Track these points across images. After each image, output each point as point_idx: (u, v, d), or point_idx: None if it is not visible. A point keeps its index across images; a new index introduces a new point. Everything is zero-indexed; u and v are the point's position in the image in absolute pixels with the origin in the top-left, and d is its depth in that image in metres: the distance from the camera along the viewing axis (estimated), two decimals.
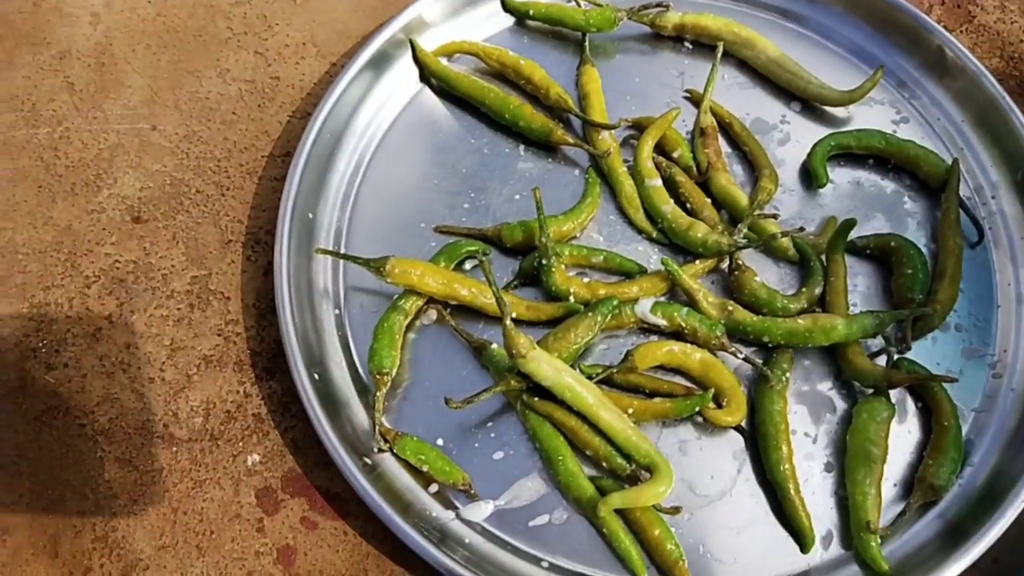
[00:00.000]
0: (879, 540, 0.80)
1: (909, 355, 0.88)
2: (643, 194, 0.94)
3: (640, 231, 0.94)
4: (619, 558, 0.79)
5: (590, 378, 0.83)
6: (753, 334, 0.85)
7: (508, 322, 0.79)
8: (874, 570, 0.79)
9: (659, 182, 0.94)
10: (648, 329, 0.88)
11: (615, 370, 0.84)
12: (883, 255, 0.94)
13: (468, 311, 0.88)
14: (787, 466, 0.81)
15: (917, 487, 0.83)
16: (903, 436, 0.86)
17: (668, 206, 0.92)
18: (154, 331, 0.88)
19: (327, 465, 0.81)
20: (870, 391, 0.86)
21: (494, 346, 0.85)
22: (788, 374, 0.85)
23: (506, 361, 0.84)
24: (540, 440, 0.82)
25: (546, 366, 0.80)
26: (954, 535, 0.81)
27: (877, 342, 0.90)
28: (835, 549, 0.82)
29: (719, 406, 0.84)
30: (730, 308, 0.86)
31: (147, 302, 0.90)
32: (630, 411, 0.82)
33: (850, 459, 0.82)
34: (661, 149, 0.98)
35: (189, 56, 1.03)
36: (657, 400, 0.83)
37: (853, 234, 0.92)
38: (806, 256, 0.91)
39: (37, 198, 0.94)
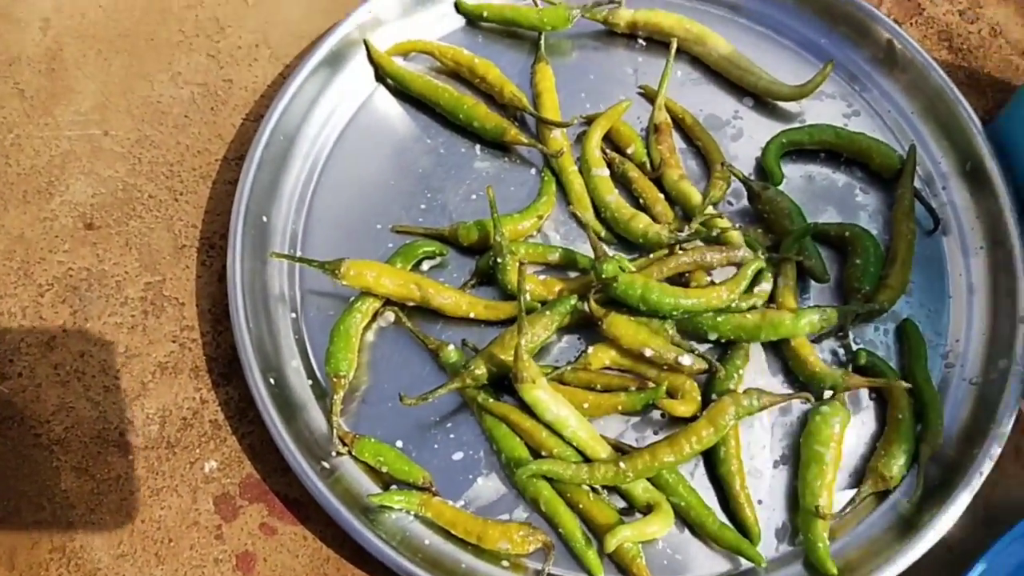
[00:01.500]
0: (827, 528, 0.81)
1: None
2: (589, 184, 0.94)
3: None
4: (576, 557, 0.80)
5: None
6: (703, 330, 0.86)
7: (522, 342, 0.79)
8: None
9: (605, 171, 0.95)
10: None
11: (567, 369, 0.84)
12: (840, 244, 0.95)
13: (425, 312, 0.88)
14: (735, 463, 0.82)
15: (868, 477, 0.84)
16: (856, 427, 0.87)
17: (612, 195, 0.93)
18: (108, 339, 0.88)
19: (285, 470, 0.81)
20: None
21: (451, 347, 0.85)
22: (741, 371, 0.86)
23: (462, 361, 0.84)
24: (496, 441, 0.83)
25: (548, 398, 0.80)
26: (906, 526, 0.82)
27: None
28: (788, 545, 0.83)
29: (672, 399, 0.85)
30: None
31: (101, 309, 0.89)
32: (585, 406, 0.83)
33: (803, 462, 0.83)
34: (615, 145, 0.98)
35: (140, 60, 1.02)
36: (611, 394, 0.84)
37: (814, 221, 0.93)
38: (756, 252, 0.91)
39: None
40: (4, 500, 0.81)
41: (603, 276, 0.83)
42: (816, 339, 0.90)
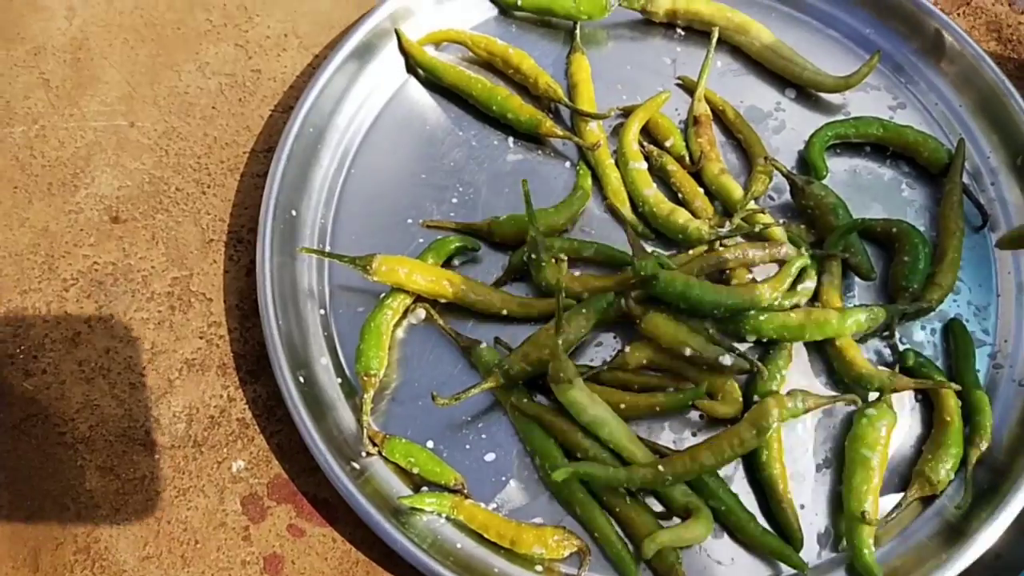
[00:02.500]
0: (872, 533, 0.78)
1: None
2: (626, 177, 0.92)
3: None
4: (612, 562, 0.77)
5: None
6: (745, 329, 0.83)
7: (559, 342, 0.77)
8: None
9: (643, 165, 0.92)
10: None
11: (604, 368, 0.82)
12: (886, 240, 0.91)
13: (457, 309, 0.86)
14: (777, 467, 0.79)
15: (914, 481, 0.81)
16: (901, 429, 0.84)
17: (650, 190, 0.90)
18: (134, 335, 0.86)
19: (314, 470, 0.79)
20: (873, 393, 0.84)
21: (483, 346, 0.83)
22: (784, 371, 0.83)
23: (495, 360, 0.81)
24: (530, 442, 0.80)
25: (585, 399, 0.78)
26: (954, 533, 0.79)
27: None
28: (831, 551, 0.80)
29: (712, 399, 0.82)
30: None
31: (127, 305, 0.87)
32: (622, 406, 0.80)
33: (848, 465, 0.80)
34: (653, 138, 0.96)
35: (167, 50, 1.00)
36: (649, 394, 0.81)
37: (860, 217, 0.90)
38: (799, 249, 0.88)
39: (12, 199, 0.91)
40: (28, 499, 0.79)
41: (642, 273, 0.80)
42: (860, 339, 0.87)
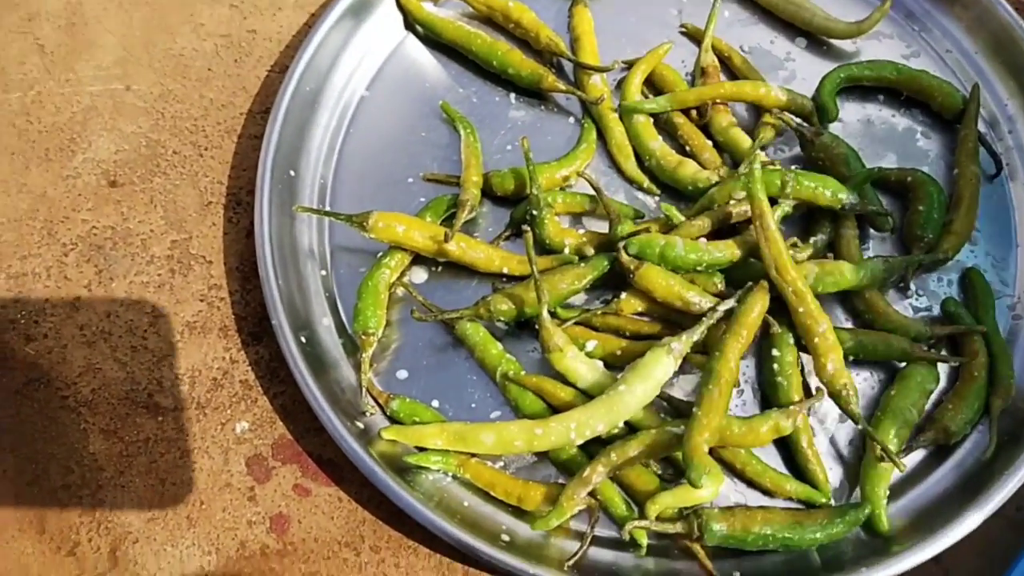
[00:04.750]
0: (889, 478, 0.77)
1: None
2: (631, 131, 0.90)
3: (631, 181, 0.90)
4: (616, 522, 0.76)
5: (568, 319, 0.80)
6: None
7: (545, 314, 0.77)
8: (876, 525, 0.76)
9: (648, 117, 0.90)
10: None
11: (596, 312, 0.81)
12: (901, 190, 0.89)
13: (457, 267, 0.84)
14: (800, 419, 0.78)
15: (929, 428, 0.79)
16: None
17: (656, 142, 0.88)
18: (135, 298, 0.85)
19: (318, 431, 0.78)
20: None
21: (465, 322, 0.81)
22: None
23: (476, 338, 0.81)
24: (523, 411, 0.79)
25: (581, 365, 0.77)
26: (974, 484, 0.77)
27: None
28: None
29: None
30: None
31: (127, 269, 0.86)
32: (618, 353, 0.79)
33: (885, 416, 0.78)
34: (659, 91, 0.93)
35: (162, 12, 0.99)
36: (645, 342, 0.79)
37: (874, 166, 0.88)
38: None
39: (10, 165, 0.91)
40: (32, 463, 0.79)
41: (618, 237, 0.79)
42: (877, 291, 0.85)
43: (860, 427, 0.75)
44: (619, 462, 0.74)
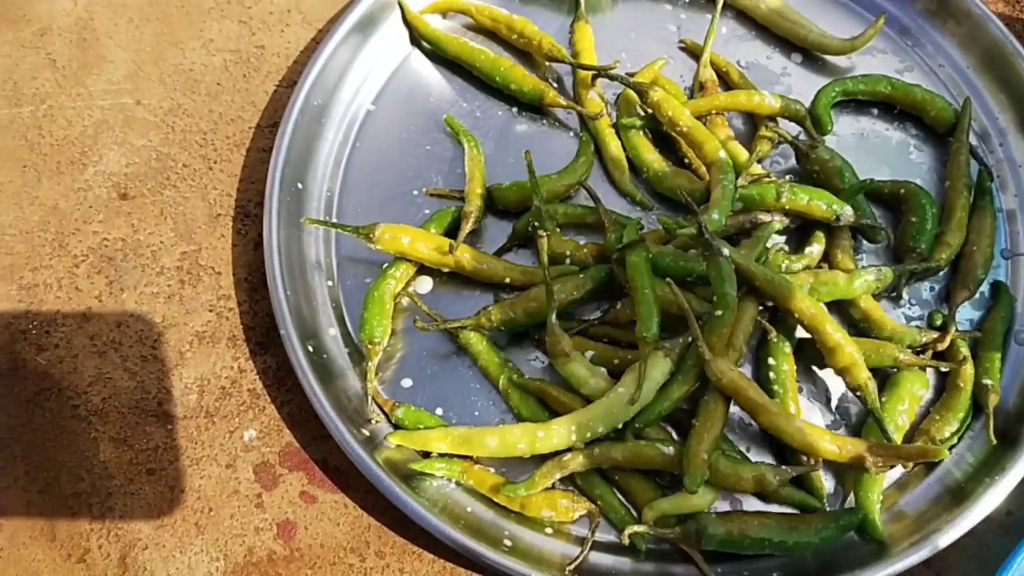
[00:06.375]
0: (882, 485, 0.78)
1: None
2: (628, 144, 0.92)
3: (625, 195, 0.92)
4: (616, 527, 0.78)
5: (567, 330, 0.81)
6: None
7: (553, 319, 0.78)
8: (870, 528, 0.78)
9: (644, 131, 0.92)
10: None
11: (595, 323, 0.83)
12: (894, 202, 0.91)
13: (460, 278, 0.86)
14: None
15: (917, 438, 0.81)
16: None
17: (652, 155, 0.90)
18: (145, 309, 0.87)
19: (325, 438, 0.80)
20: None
21: (468, 331, 0.83)
22: (795, 332, 0.83)
23: (480, 347, 0.83)
24: (525, 418, 0.80)
25: (586, 371, 0.78)
26: (961, 494, 0.79)
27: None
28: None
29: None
30: None
31: (137, 280, 0.88)
32: (615, 362, 0.80)
33: (872, 424, 0.80)
34: None
35: (172, 28, 1.01)
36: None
37: (867, 178, 0.89)
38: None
39: (22, 178, 0.92)
40: (43, 471, 0.80)
41: (613, 247, 0.81)
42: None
43: (876, 417, 0.77)
44: (600, 459, 0.76)
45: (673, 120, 0.87)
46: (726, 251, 0.76)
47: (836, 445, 0.76)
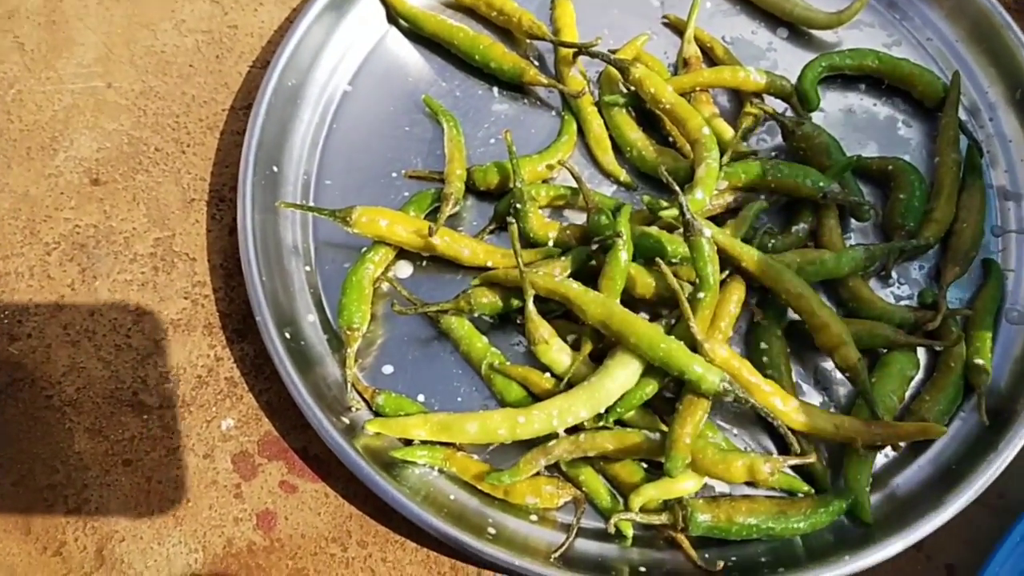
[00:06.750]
0: (871, 467, 0.78)
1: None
2: (611, 123, 0.90)
3: (608, 175, 0.90)
4: (602, 513, 0.77)
5: (546, 315, 0.80)
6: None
7: (531, 306, 0.77)
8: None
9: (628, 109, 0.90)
10: None
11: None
12: (882, 179, 0.90)
13: (442, 261, 0.84)
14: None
15: (907, 419, 0.80)
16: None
17: (636, 133, 0.88)
18: (118, 297, 0.85)
19: (304, 427, 0.78)
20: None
21: (450, 316, 0.82)
22: (786, 314, 0.82)
23: (461, 332, 0.81)
24: (508, 403, 0.79)
25: (567, 358, 0.77)
26: (954, 472, 0.78)
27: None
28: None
29: None
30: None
31: (110, 267, 0.86)
32: (600, 346, 0.79)
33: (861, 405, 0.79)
34: None
35: (143, 9, 0.98)
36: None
37: (855, 154, 0.88)
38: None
39: None
40: (17, 463, 0.79)
41: (595, 227, 0.80)
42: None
43: (866, 397, 0.76)
44: (586, 446, 0.74)
45: (656, 97, 0.85)
46: (708, 232, 0.75)
47: (833, 424, 0.74)
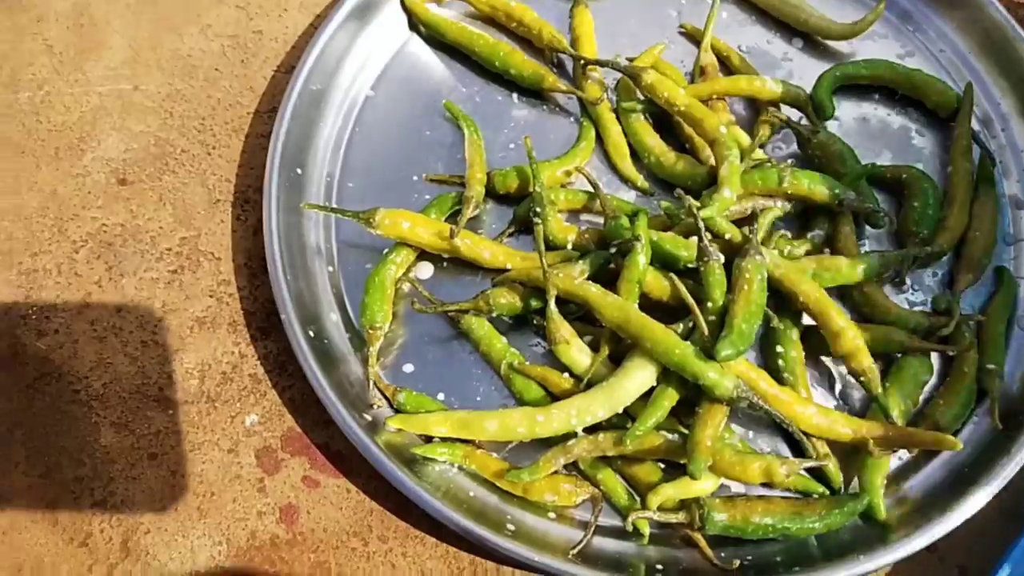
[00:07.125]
0: (887, 469, 0.78)
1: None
2: (629, 129, 0.91)
3: (626, 179, 0.91)
4: (619, 511, 0.78)
5: (564, 317, 0.80)
6: None
7: (552, 306, 0.78)
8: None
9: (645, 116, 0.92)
10: None
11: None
12: (896, 187, 0.91)
13: (462, 263, 0.86)
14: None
15: (920, 423, 0.81)
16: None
17: (654, 139, 0.90)
18: (144, 294, 0.86)
19: (327, 423, 0.80)
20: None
21: (470, 316, 0.83)
22: (802, 320, 0.83)
23: (481, 332, 0.83)
24: (527, 402, 0.80)
25: (586, 358, 0.78)
26: (968, 474, 0.79)
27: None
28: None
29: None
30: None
31: (136, 265, 0.88)
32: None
33: (877, 408, 0.79)
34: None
35: (170, 13, 1.00)
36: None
37: (869, 163, 0.89)
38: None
39: (20, 164, 0.92)
40: (44, 456, 0.80)
41: (612, 234, 0.81)
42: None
43: (880, 403, 0.77)
44: (604, 445, 0.75)
45: (670, 101, 0.87)
46: (720, 257, 0.77)
47: (851, 428, 0.75)
